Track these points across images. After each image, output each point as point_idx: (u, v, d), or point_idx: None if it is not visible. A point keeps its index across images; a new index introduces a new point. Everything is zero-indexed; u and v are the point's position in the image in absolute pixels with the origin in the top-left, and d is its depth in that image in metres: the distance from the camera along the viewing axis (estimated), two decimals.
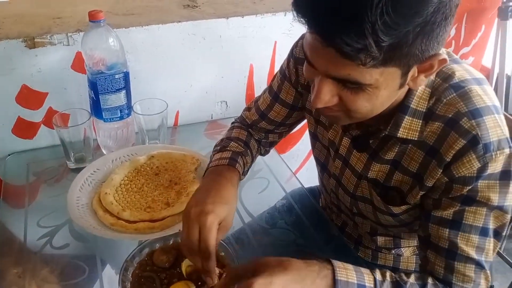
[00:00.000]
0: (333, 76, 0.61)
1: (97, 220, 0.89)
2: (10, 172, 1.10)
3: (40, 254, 0.87)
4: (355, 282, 0.65)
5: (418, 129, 0.70)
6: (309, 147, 0.98)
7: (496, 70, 1.80)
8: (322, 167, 0.94)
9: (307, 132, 0.98)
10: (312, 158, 1.00)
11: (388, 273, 0.69)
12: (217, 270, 0.70)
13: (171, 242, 0.83)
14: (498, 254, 1.86)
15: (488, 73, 1.82)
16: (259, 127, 0.95)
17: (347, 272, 0.65)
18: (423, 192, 0.73)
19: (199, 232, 0.69)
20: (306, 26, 0.57)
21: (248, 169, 0.91)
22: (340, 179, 0.88)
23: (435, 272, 0.71)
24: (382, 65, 0.57)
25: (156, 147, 1.10)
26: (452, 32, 1.64)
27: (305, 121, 0.95)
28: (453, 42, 1.67)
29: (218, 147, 0.90)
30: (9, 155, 1.15)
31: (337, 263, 0.66)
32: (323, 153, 0.92)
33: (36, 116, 1.13)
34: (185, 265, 0.76)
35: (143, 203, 0.94)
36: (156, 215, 0.90)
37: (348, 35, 0.52)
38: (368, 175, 0.80)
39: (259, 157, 1.02)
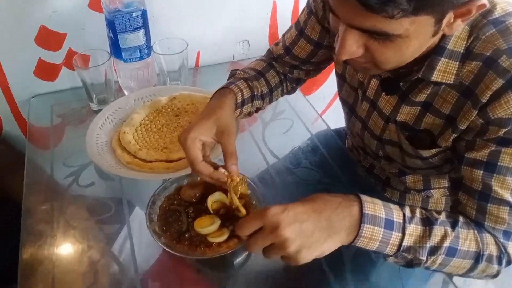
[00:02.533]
0: (358, 27, 0.56)
1: (115, 158, 0.89)
2: (34, 114, 1.10)
3: (67, 191, 0.89)
4: (383, 216, 0.63)
5: (454, 71, 0.65)
6: (336, 88, 0.93)
7: None
8: (350, 109, 0.90)
9: (333, 73, 0.93)
10: (338, 99, 0.95)
11: (418, 210, 0.66)
12: (222, 170, 0.71)
13: (198, 178, 0.82)
14: None
15: None
16: (283, 61, 0.92)
17: (375, 206, 0.63)
18: (456, 135, 0.69)
19: None
20: None
21: (262, 95, 0.87)
22: (366, 122, 0.84)
23: (467, 213, 0.69)
24: (413, 15, 0.52)
25: (177, 88, 1.08)
26: None
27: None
28: None
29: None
30: (33, 97, 1.15)
31: (364, 197, 0.64)
32: (352, 96, 0.88)
33: (57, 57, 1.12)
34: (211, 200, 0.75)
35: (161, 143, 0.93)
36: (172, 155, 0.89)
37: None
38: (397, 118, 0.76)
39: (282, 99, 0.98)
